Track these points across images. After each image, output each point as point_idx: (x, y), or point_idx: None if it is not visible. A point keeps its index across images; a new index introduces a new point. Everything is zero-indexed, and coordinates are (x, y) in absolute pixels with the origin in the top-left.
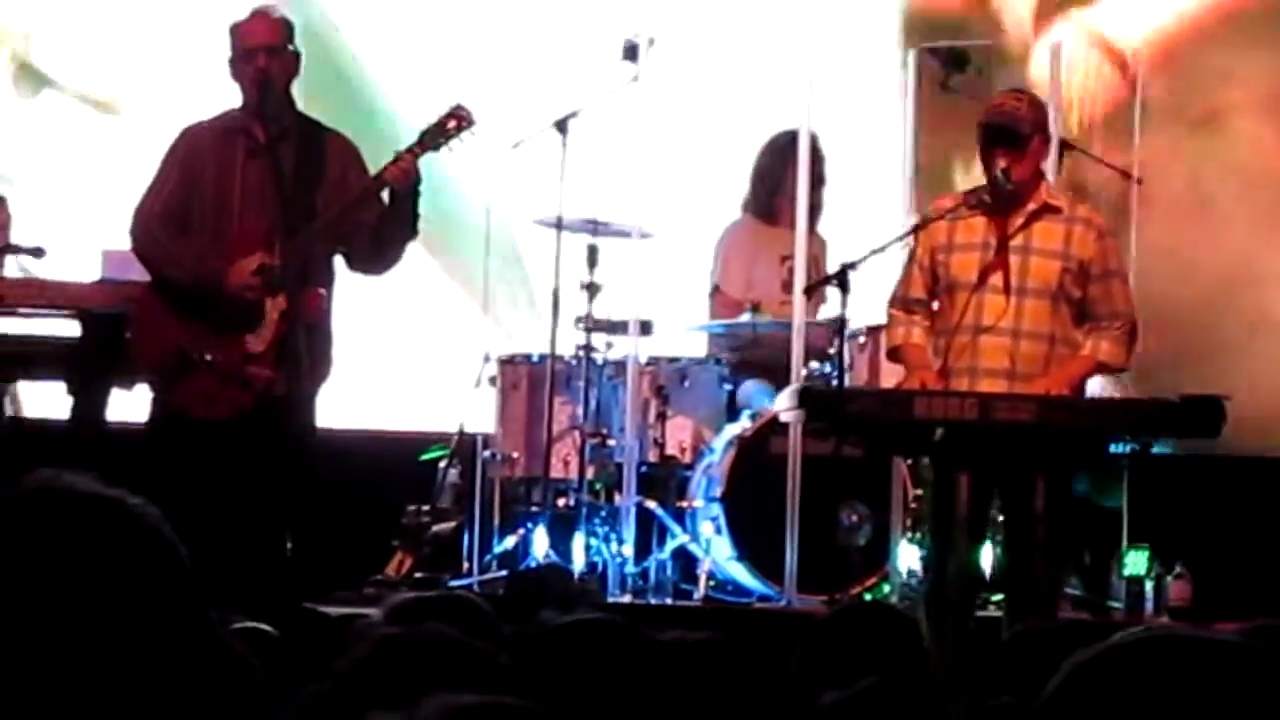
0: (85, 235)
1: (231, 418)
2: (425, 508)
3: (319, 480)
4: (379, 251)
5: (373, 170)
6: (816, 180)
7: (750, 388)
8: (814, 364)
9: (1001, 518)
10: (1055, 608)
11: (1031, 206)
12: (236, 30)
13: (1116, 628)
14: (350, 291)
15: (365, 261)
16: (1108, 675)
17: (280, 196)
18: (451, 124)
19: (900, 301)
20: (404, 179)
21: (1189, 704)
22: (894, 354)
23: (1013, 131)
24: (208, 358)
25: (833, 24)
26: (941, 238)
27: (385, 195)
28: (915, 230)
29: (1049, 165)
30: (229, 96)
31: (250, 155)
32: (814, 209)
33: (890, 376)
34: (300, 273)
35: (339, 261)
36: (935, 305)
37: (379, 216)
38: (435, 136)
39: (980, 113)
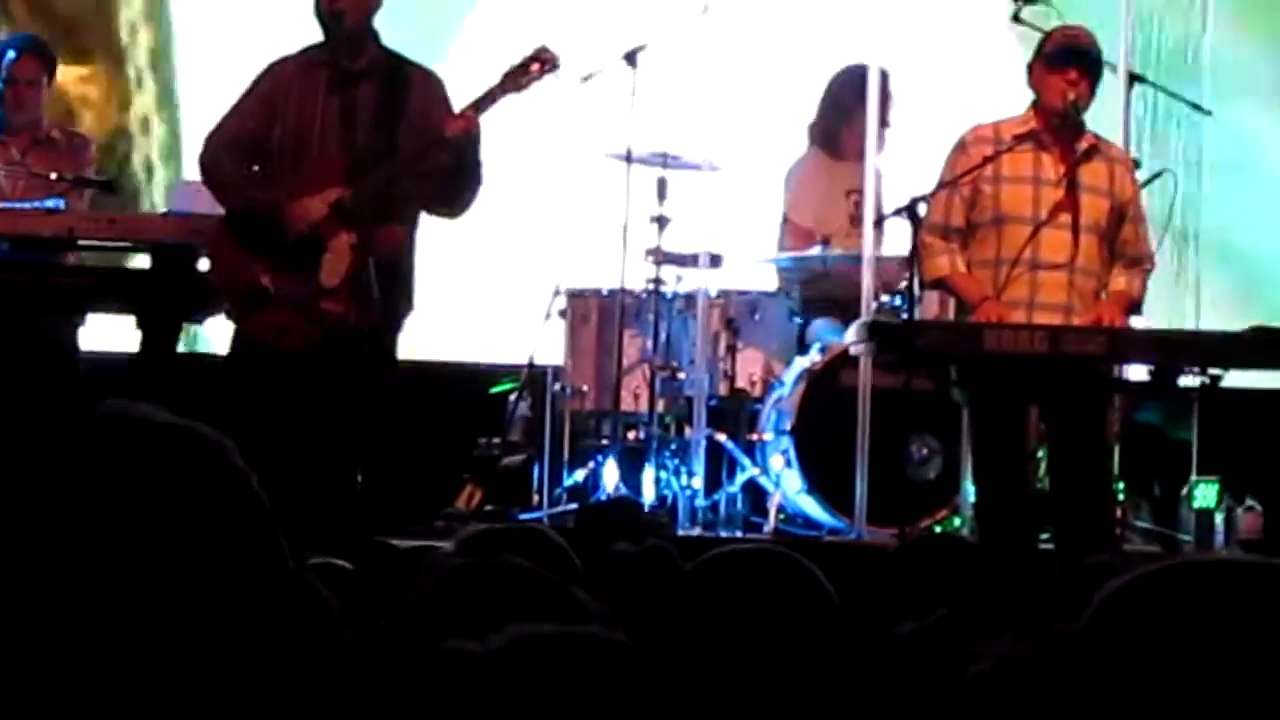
0: None
1: (304, 349)
2: (495, 440)
3: (390, 414)
4: (450, 195)
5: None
6: (883, 121)
7: (820, 327)
8: (884, 297)
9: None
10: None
11: (1082, 145)
12: None
13: None
14: (421, 224)
15: (439, 204)
16: (1142, 601)
17: (354, 132)
18: (535, 66)
19: (939, 230)
20: (463, 137)
21: (1223, 628)
22: (938, 284)
23: (1092, 54)
24: (287, 294)
25: None
26: (987, 168)
27: None
28: (956, 158)
29: (1119, 99)
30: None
31: (332, 89)
32: (878, 145)
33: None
34: (379, 208)
35: None
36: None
37: (446, 163)
38: (518, 78)
39: (1046, 42)
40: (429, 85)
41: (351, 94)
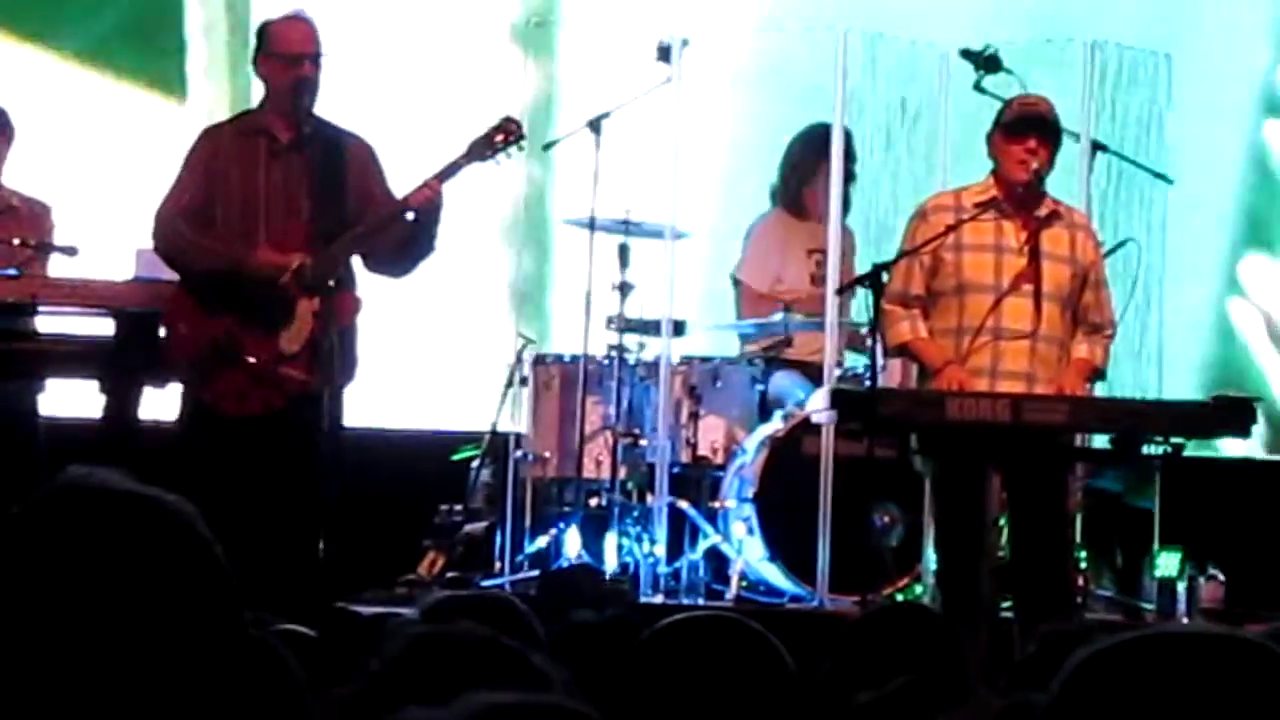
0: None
1: (262, 415)
2: (457, 507)
3: (350, 479)
4: (399, 262)
5: (393, 175)
6: (847, 177)
7: (783, 380)
8: (848, 362)
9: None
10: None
11: (1043, 212)
12: (273, 32)
13: None
14: (382, 291)
15: (385, 267)
16: (1111, 671)
17: (300, 200)
18: (500, 137)
19: (899, 298)
20: (428, 206)
21: (1191, 700)
22: (901, 350)
23: (1051, 122)
24: (249, 359)
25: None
26: (949, 236)
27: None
28: (917, 227)
29: (1082, 168)
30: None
31: (273, 156)
32: (843, 203)
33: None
34: (336, 275)
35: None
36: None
37: (404, 232)
38: (483, 148)
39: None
40: (362, 151)
41: (294, 162)
